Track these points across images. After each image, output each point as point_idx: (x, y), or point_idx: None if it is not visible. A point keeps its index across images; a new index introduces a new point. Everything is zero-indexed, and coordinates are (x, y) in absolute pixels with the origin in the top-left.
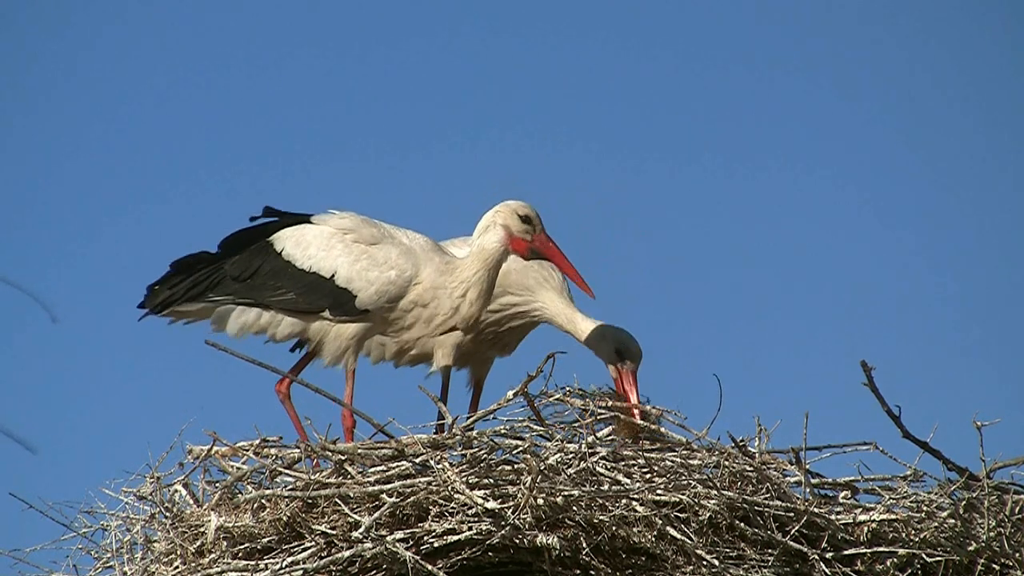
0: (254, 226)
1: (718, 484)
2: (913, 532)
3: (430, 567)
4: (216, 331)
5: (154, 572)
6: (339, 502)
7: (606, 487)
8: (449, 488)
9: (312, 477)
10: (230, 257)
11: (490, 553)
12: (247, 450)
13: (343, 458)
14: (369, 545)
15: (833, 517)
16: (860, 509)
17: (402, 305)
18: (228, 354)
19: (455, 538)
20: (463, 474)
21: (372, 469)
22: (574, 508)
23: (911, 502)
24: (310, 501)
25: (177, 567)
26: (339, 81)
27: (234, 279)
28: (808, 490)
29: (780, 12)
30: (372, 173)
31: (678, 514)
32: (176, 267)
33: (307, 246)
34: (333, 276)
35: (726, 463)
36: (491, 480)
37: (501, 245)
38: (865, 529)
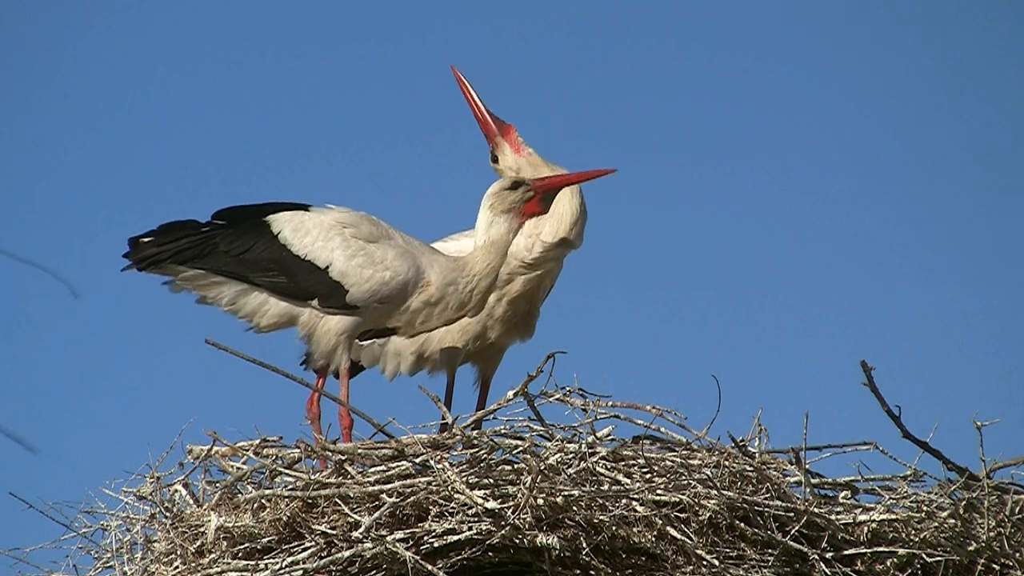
0: (251, 204)
1: (718, 484)
2: (913, 532)
3: (430, 567)
4: (198, 303)
5: (154, 572)
6: (339, 502)
7: (606, 487)
8: (449, 488)
9: (312, 477)
10: (222, 228)
11: (490, 553)
12: (247, 450)
13: (343, 458)
14: (369, 545)
15: (833, 517)
16: (860, 509)
17: (413, 307)
18: (229, 354)
19: (455, 538)
20: (463, 474)
21: (372, 469)
22: (574, 508)
23: (911, 502)
24: (310, 501)
25: (177, 567)
26: (339, 81)
27: (225, 252)
28: (808, 490)
29: (783, 12)
30: (372, 173)
31: (678, 514)
32: (165, 228)
33: (305, 233)
34: (327, 268)
35: (726, 463)
36: (491, 480)
37: (511, 232)
38: (865, 529)
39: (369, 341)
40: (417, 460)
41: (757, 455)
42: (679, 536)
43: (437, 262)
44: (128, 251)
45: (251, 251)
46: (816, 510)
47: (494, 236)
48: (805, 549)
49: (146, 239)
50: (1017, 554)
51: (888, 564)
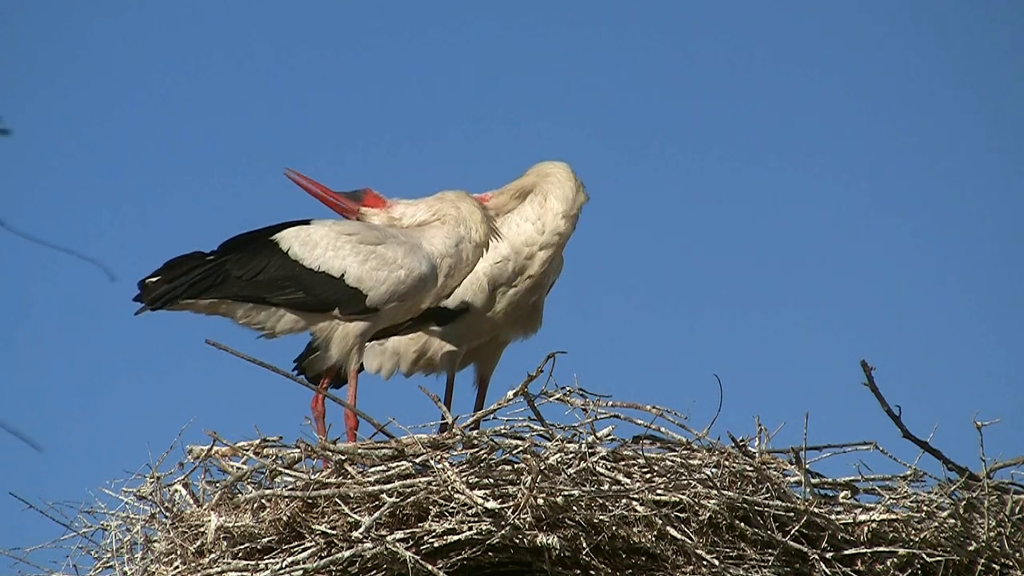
0: (254, 230)
1: (718, 484)
2: (913, 532)
3: (430, 567)
4: (207, 315)
5: (154, 572)
6: (339, 502)
7: (606, 487)
8: (449, 488)
9: (312, 477)
10: (230, 254)
11: (490, 553)
12: (247, 450)
13: (343, 458)
14: (369, 545)
15: (833, 517)
16: (860, 509)
17: (440, 282)
18: (229, 354)
19: (455, 538)
20: (463, 474)
21: (372, 469)
22: (574, 508)
23: (911, 502)
24: (310, 501)
25: (177, 567)
26: (338, 82)
27: (238, 277)
28: (808, 490)
29: (787, 8)
30: (370, 171)
31: (678, 514)
32: (171, 265)
33: (314, 246)
34: (343, 276)
35: (726, 463)
36: (491, 480)
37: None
38: (865, 529)
39: (369, 344)
40: (417, 460)
41: (757, 455)
42: (679, 536)
43: (436, 236)
44: (139, 294)
45: (264, 272)
46: (816, 510)
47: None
48: (805, 549)
49: (154, 279)
50: (1017, 554)
51: (888, 564)
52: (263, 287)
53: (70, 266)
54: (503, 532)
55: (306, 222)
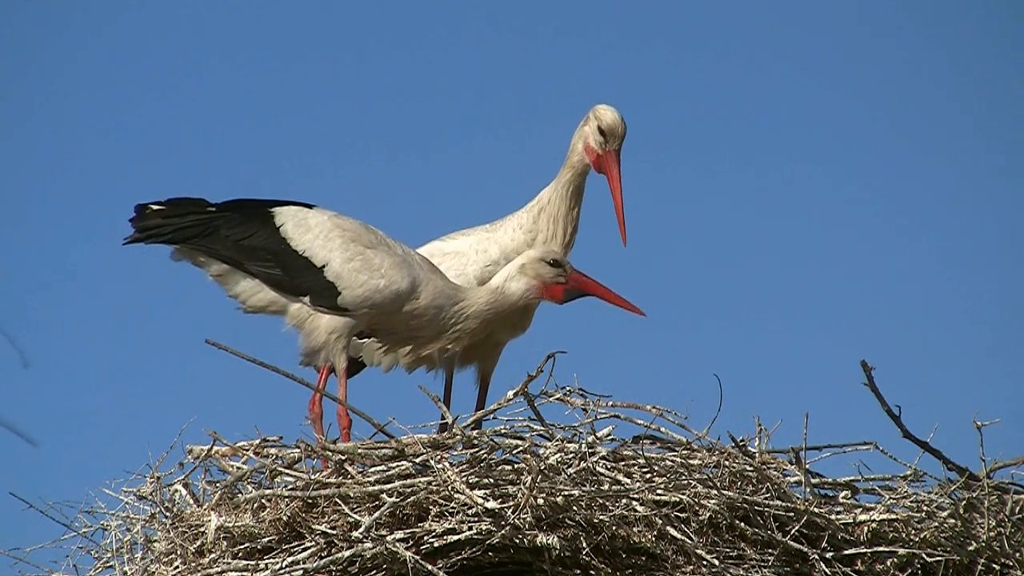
0: (260, 198)
1: (718, 484)
2: (913, 532)
3: (430, 567)
4: (182, 260)
5: (154, 572)
6: (339, 502)
7: (606, 487)
8: (449, 488)
9: (312, 477)
10: (227, 213)
11: (490, 553)
12: (247, 450)
13: (343, 458)
14: (369, 545)
15: (833, 517)
16: (860, 509)
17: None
18: (229, 354)
19: (455, 538)
20: (463, 474)
21: (372, 469)
22: (574, 508)
23: (911, 502)
24: (310, 501)
25: (177, 567)
26: (338, 82)
27: (226, 237)
28: (808, 490)
29: (787, 9)
30: (371, 173)
31: (678, 514)
32: (174, 201)
33: (307, 230)
34: (323, 267)
35: (726, 463)
36: (491, 480)
37: (523, 298)
38: (865, 529)
39: (367, 340)
40: (417, 460)
41: (757, 455)
42: (679, 536)
43: (433, 282)
44: (134, 216)
45: (251, 239)
46: (816, 510)
47: (507, 289)
48: (805, 549)
49: (155, 208)
50: (1017, 554)
51: (888, 564)
52: (244, 252)
53: (68, 266)
54: (503, 532)
55: (309, 206)
